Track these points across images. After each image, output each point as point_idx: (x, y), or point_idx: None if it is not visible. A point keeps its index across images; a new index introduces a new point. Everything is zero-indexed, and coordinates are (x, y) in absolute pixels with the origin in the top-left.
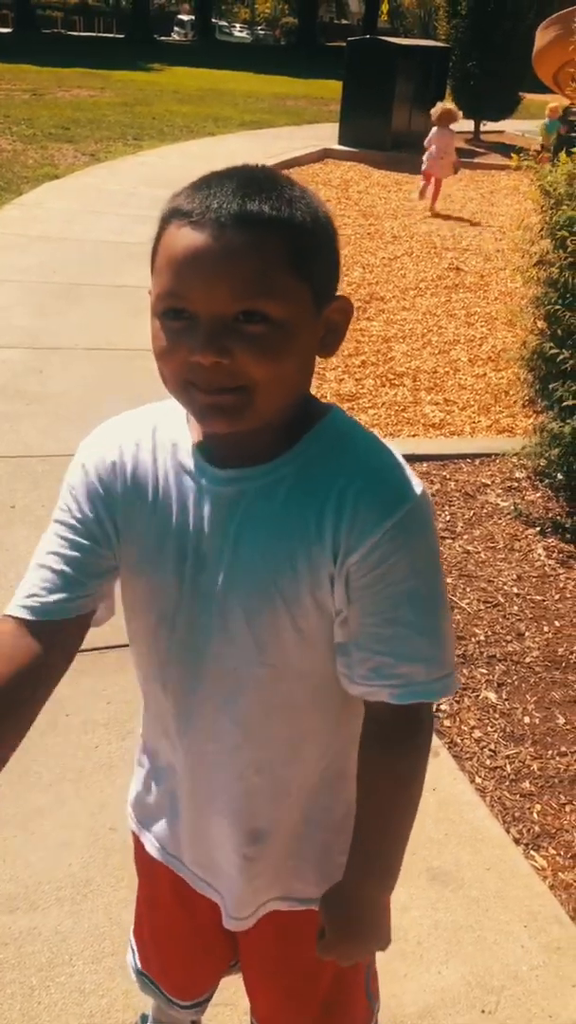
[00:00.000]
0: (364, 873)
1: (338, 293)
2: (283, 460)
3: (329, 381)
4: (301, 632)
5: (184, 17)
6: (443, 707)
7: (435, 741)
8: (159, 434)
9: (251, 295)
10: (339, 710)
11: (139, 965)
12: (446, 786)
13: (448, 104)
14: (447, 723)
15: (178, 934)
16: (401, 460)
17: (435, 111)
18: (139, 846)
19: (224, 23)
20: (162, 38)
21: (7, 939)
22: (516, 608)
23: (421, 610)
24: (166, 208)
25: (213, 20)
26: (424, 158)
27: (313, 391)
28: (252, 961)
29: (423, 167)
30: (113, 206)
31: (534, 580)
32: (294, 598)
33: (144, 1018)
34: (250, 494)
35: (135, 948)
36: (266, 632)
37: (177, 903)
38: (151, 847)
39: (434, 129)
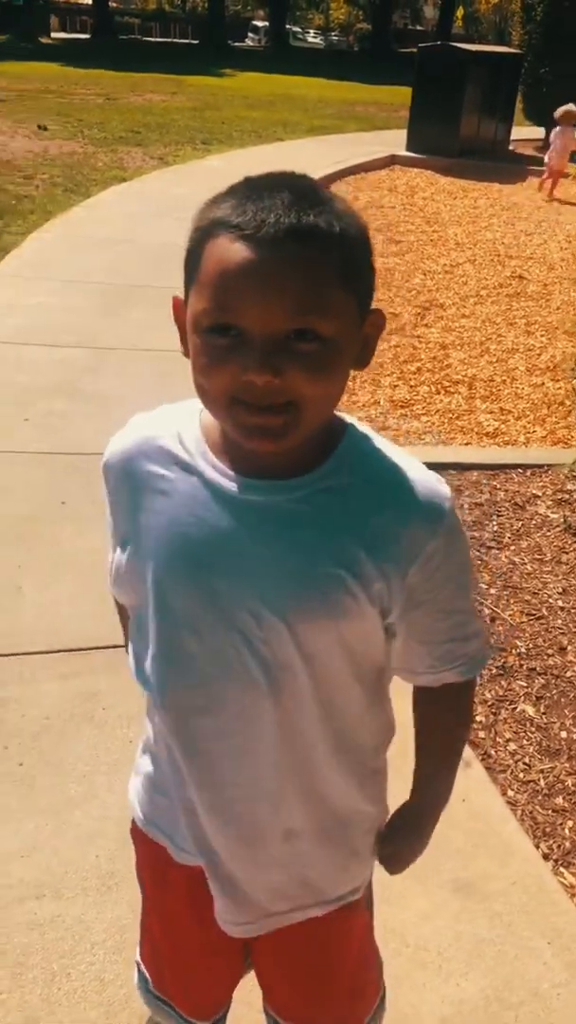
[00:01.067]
0: (438, 797)
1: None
2: (318, 474)
3: (384, 387)
4: (345, 643)
5: (258, 23)
6: (479, 719)
7: (468, 752)
8: (184, 437)
9: (305, 312)
10: (369, 708)
11: (153, 989)
12: (477, 797)
13: (571, 106)
14: (482, 735)
15: (195, 947)
16: (422, 467)
17: (559, 112)
18: (147, 851)
19: (298, 29)
20: (236, 44)
21: (32, 925)
22: (560, 622)
23: (467, 594)
24: (206, 218)
25: (287, 26)
26: (547, 153)
27: (367, 397)
28: (271, 962)
29: (546, 161)
30: (177, 209)
31: None
32: (341, 612)
33: None
34: (288, 505)
35: (145, 971)
36: (311, 644)
37: (191, 912)
38: (171, 846)
39: (557, 128)
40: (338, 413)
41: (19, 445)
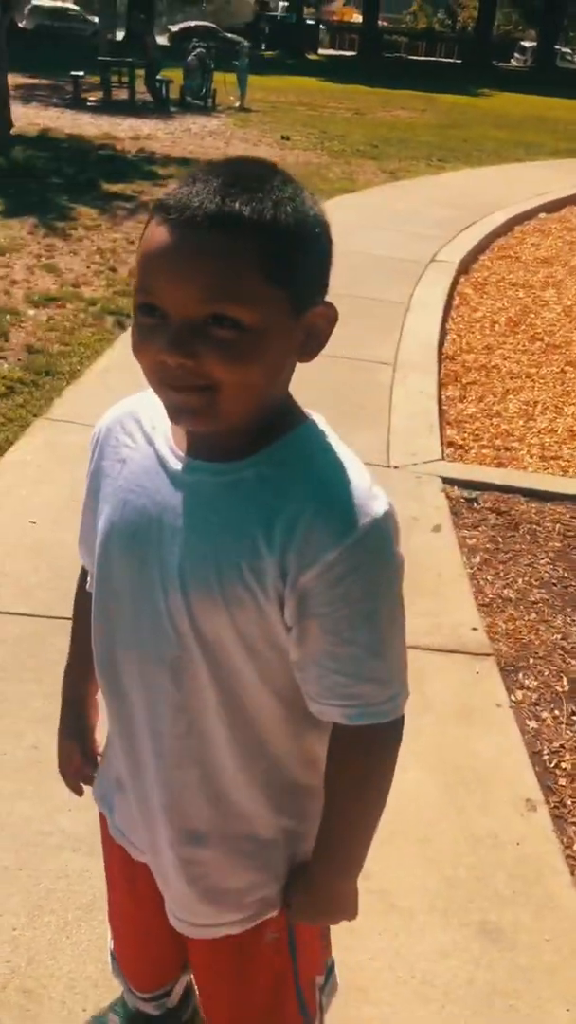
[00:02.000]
0: (328, 866)
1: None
2: (246, 463)
3: (566, 416)
4: (243, 636)
5: (526, 44)
6: (563, 764)
7: (537, 796)
8: (153, 415)
9: (219, 299)
10: (288, 723)
11: (111, 946)
12: (533, 844)
13: None
14: (562, 782)
15: (128, 917)
16: (363, 478)
17: None
18: (102, 819)
19: (568, 50)
20: (500, 64)
21: (61, 874)
22: None
23: (376, 632)
24: (156, 200)
25: (557, 47)
26: None
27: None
28: (198, 967)
29: None
30: (396, 223)
31: None
32: (235, 600)
33: (117, 1003)
34: (208, 488)
35: (110, 929)
36: (207, 628)
37: (127, 887)
38: (109, 823)
39: None
40: (305, 409)
41: None
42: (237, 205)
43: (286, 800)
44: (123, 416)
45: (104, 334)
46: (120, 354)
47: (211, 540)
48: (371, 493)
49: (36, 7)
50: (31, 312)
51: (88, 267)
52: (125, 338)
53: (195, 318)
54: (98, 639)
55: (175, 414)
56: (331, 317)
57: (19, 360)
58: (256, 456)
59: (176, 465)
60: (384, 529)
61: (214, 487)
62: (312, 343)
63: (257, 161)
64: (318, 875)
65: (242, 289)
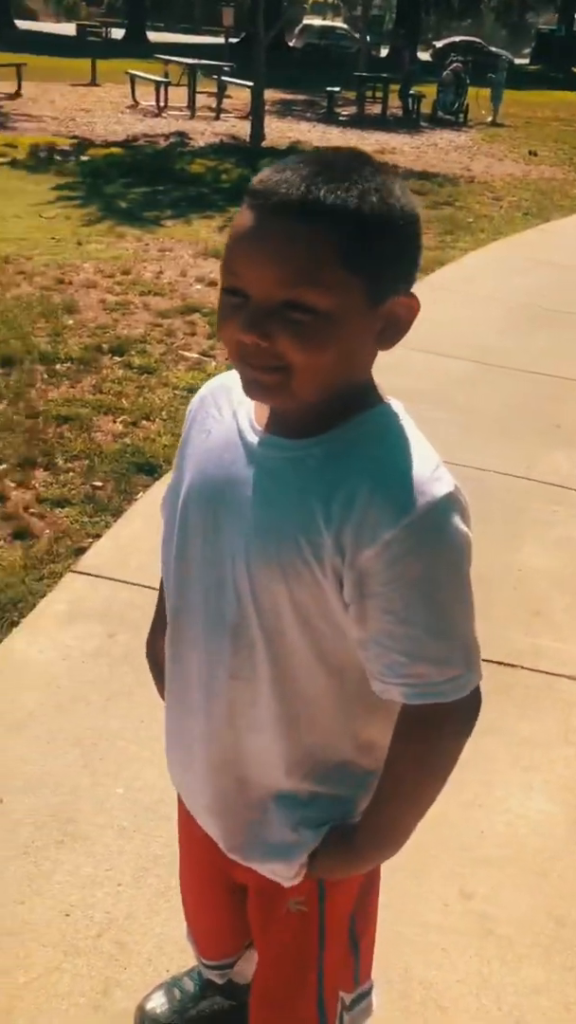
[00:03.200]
0: (371, 836)
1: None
2: (315, 440)
3: None
4: (300, 609)
5: None
6: None
7: None
8: (241, 391)
9: (296, 284)
10: (341, 702)
11: (187, 920)
12: None
13: None
14: None
15: (191, 883)
16: (427, 461)
17: None
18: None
19: None
20: None
21: (170, 842)
22: None
23: (435, 612)
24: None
25: None
26: None
27: None
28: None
29: None
30: None
31: None
32: (294, 573)
33: (195, 971)
34: (278, 463)
35: (181, 894)
36: (266, 598)
37: (190, 853)
38: (170, 771)
39: None
40: (382, 393)
41: None
42: (321, 193)
43: (332, 775)
44: (216, 389)
45: None
46: None
47: (274, 513)
48: (434, 475)
49: (307, 27)
50: None
51: None
52: None
53: (272, 301)
54: (169, 598)
55: (250, 389)
56: (412, 308)
57: (227, 360)
58: (327, 434)
59: (252, 439)
60: (445, 510)
61: (283, 462)
62: (390, 332)
63: (350, 151)
64: (359, 842)
65: (319, 275)
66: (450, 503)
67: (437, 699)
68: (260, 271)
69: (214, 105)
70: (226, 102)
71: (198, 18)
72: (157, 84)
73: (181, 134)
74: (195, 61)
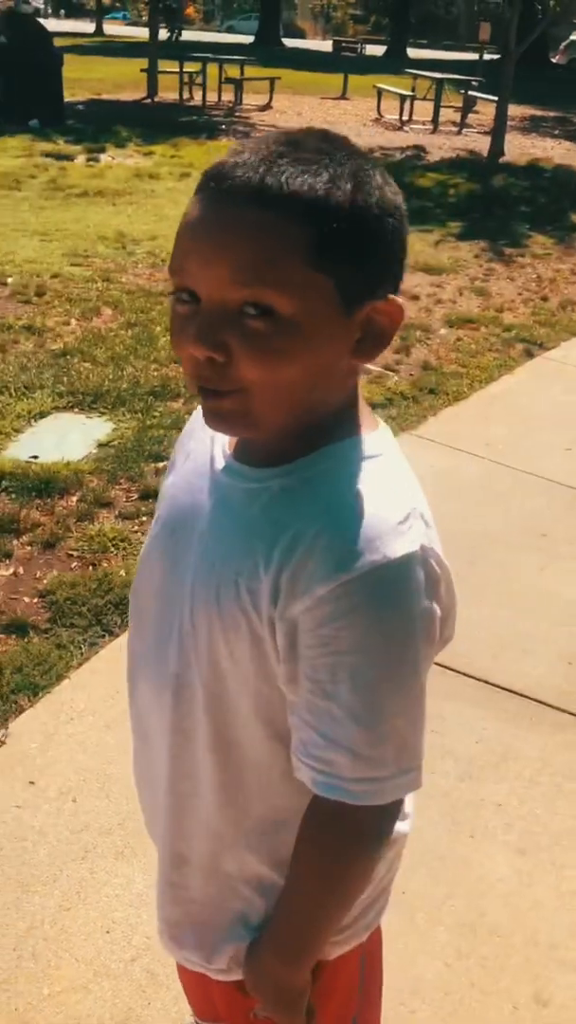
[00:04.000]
0: (271, 942)
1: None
2: (276, 471)
3: None
4: (238, 665)
5: None
6: None
7: None
8: None
9: (249, 283)
10: (285, 769)
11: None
12: None
13: None
14: None
15: None
16: (395, 510)
17: None
18: None
19: None
20: None
21: None
22: None
23: (363, 696)
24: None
25: None
26: None
27: None
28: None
29: None
30: None
31: None
32: (232, 623)
33: None
34: (237, 493)
35: None
36: (206, 647)
37: None
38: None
39: None
40: (363, 420)
41: (558, 474)
42: (284, 177)
43: (285, 859)
44: (199, 415)
45: (507, 360)
46: (517, 383)
47: (219, 551)
48: (396, 529)
49: (573, 43)
50: (442, 331)
51: (519, 293)
52: (529, 367)
53: (228, 304)
54: (131, 637)
55: (209, 420)
56: (394, 314)
57: (411, 375)
58: (289, 466)
59: (219, 465)
60: (397, 574)
61: (242, 493)
62: (369, 343)
63: (323, 132)
64: (261, 948)
65: (279, 273)
66: (408, 566)
67: (342, 798)
68: (210, 267)
69: (459, 120)
70: (472, 117)
71: (462, 35)
72: (402, 98)
73: (419, 147)
74: (443, 75)
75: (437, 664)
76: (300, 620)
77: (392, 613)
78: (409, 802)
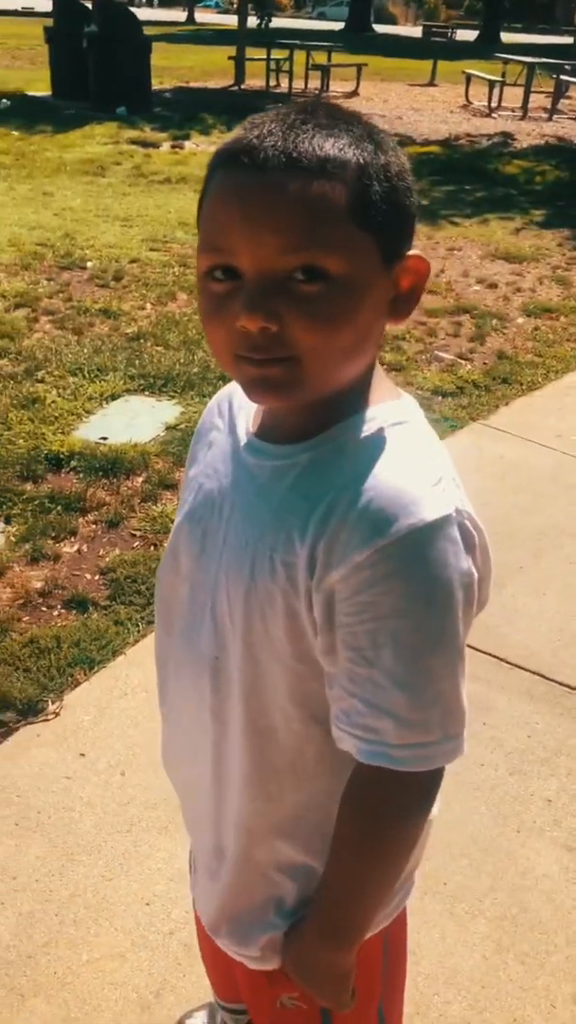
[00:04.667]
0: (315, 923)
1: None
2: (305, 445)
3: None
4: (274, 643)
5: None
6: None
7: None
8: (243, 396)
9: (306, 246)
10: (329, 758)
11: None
12: None
13: None
14: None
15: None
16: (427, 474)
17: None
18: None
19: None
20: None
21: None
22: None
23: (406, 657)
24: (216, 151)
25: None
26: None
27: None
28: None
29: None
30: None
31: None
32: (268, 600)
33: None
34: (266, 471)
35: None
36: (243, 628)
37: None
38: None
39: None
40: (388, 388)
41: None
42: (316, 142)
43: (318, 843)
44: (221, 399)
45: None
46: None
47: (251, 530)
48: (430, 492)
49: None
50: (520, 320)
51: None
52: None
53: (278, 272)
54: (159, 627)
55: (253, 389)
56: (422, 270)
57: (484, 364)
58: (317, 438)
59: (243, 448)
60: (433, 537)
61: (271, 471)
62: (403, 300)
63: (325, 103)
64: (305, 932)
65: (329, 234)
66: (442, 528)
67: (389, 764)
68: (259, 239)
69: (550, 106)
70: (564, 103)
71: (558, 18)
72: (491, 83)
73: (506, 134)
74: (534, 60)
75: (491, 655)
76: (337, 589)
77: (431, 575)
78: None
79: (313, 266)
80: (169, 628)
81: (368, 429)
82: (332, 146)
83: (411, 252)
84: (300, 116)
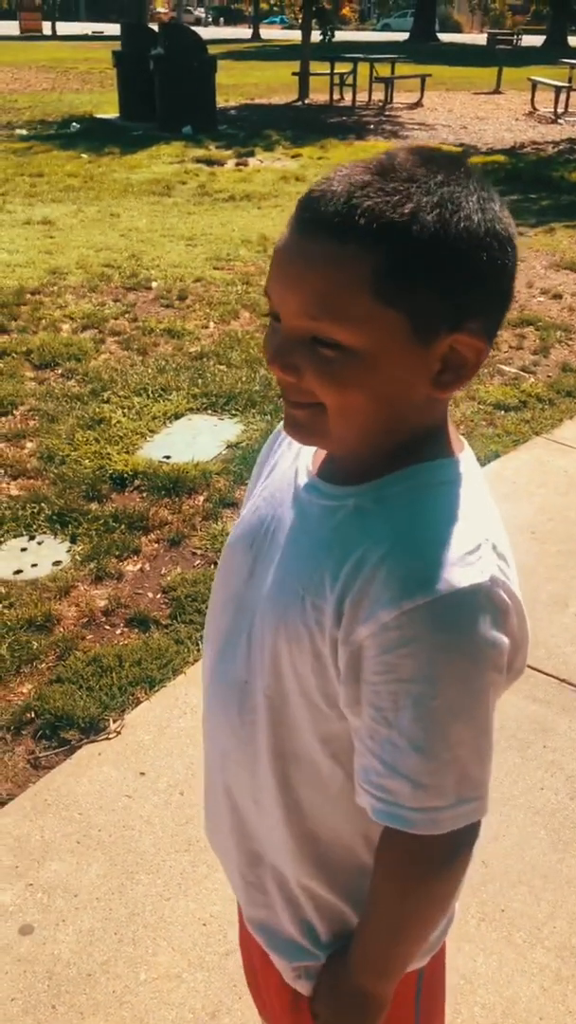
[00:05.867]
0: (357, 956)
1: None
2: (354, 490)
3: None
4: (301, 682)
5: None
6: None
7: None
8: None
9: (315, 316)
10: (341, 788)
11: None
12: None
13: None
14: None
15: (241, 927)
16: (467, 539)
17: None
18: None
19: None
20: None
21: None
22: None
23: (425, 725)
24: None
25: None
26: None
27: None
28: None
29: None
30: None
31: None
32: (296, 638)
33: None
34: (315, 509)
35: None
36: (271, 660)
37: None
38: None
39: None
40: (451, 445)
41: None
42: (362, 207)
43: (347, 881)
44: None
45: None
46: None
47: (291, 566)
48: (464, 559)
49: None
50: None
51: None
52: None
53: (299, 331)
54: (205, 641)
55: (287, 425)
56: (479, 349)
57: (548, 376)
58: (366, 485)
59: (302, 481)
60: (464, 604)
61: (320, 509)
62: (449, 375)
63: (426, 154)
64: (346, 966)
65: (344, 307)
66: (475, 597)
67: (401, 826)
68: (285, 297)
69: None
70: None
71: None
72: (557, 89)
73: (573, 141)
74: None
75: (552, 676)
76: (365, 646)
77: (457, 643)
78: None
79: (325, 336)
80: (215, 645)
81: (416, 484)
82: (375, 216)
83: (466, 333)
84: (371, 176)
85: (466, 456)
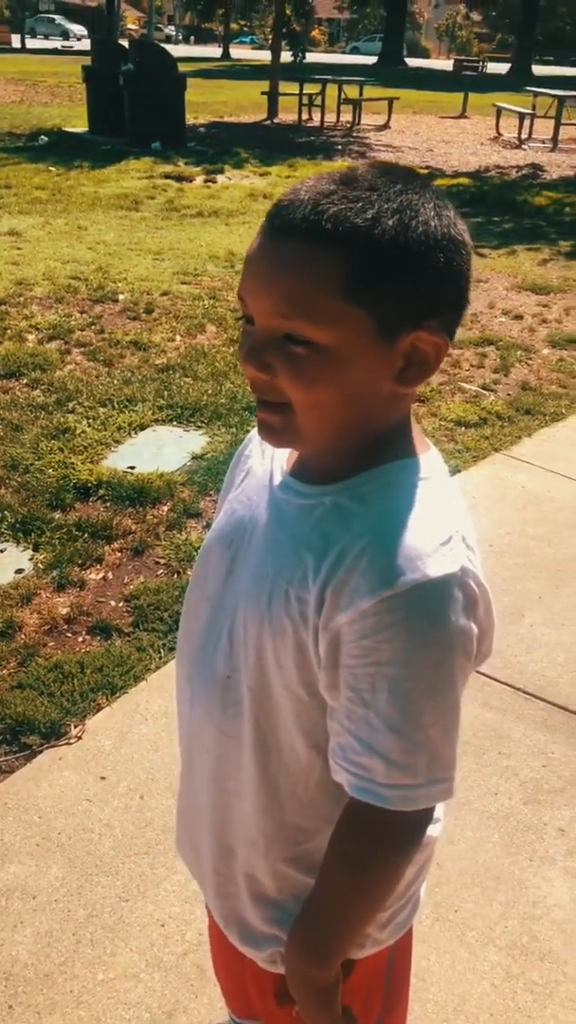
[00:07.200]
0: (298, 936)
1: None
2: (329, 489)
3: None
4: (283, 672)
5: None
6: None
7: None
8: None
9: (288, 316)
10: (321, 779)
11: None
12: None
13: None
14: None
15: (212, 923)
16: (438, 532)
17: None
18: None
19: None
20: None
21: None
22: None
23: (400, 706)
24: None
25: None
26: None
27: None
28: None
29: None
30: None
31: None
32: (280, 630)
33: None
34: (292, 508)
35: None
36: (255, 653)
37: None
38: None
39: None
40: (416, 444)
41: None
42: (327, 213)
43: (314, 862)
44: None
45: None
46: None
47: (275, 560)
48: (438, 550)
49: None
50: (545, 351)
51: None
52: None
53: (271, 331)
54: (180, 640)
55: (259, 429)
56: (439, 345)
57: (508, 395)
58: (342, 483)
59: (277, 482)
60: (436, 593)
61: (297, 508)
62: (412, 371)
63: (384, 167)
64: (289, 945)
65: (315, 306)
66: (446, 586)
67: (376, 802)
68: (258, 299)
69: None
70: None
71: None
72: (521, 116)
73: (536, 166)
74: (564, 93)
75: (508, 685)
76: (343, 632)
77: (431, 629)
78: (439, 808)
79: (296, 335)
80: (190, 643)
81: (390, 481)
82: (340, 221)
83: (426, 330)
84: (335, 185)
85: (432, 455)
